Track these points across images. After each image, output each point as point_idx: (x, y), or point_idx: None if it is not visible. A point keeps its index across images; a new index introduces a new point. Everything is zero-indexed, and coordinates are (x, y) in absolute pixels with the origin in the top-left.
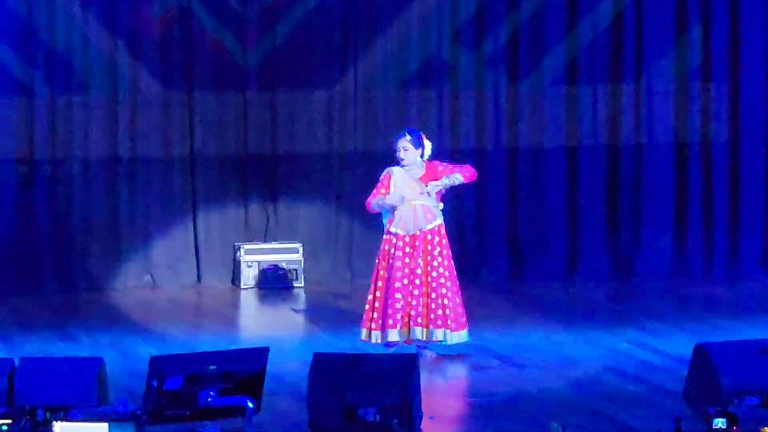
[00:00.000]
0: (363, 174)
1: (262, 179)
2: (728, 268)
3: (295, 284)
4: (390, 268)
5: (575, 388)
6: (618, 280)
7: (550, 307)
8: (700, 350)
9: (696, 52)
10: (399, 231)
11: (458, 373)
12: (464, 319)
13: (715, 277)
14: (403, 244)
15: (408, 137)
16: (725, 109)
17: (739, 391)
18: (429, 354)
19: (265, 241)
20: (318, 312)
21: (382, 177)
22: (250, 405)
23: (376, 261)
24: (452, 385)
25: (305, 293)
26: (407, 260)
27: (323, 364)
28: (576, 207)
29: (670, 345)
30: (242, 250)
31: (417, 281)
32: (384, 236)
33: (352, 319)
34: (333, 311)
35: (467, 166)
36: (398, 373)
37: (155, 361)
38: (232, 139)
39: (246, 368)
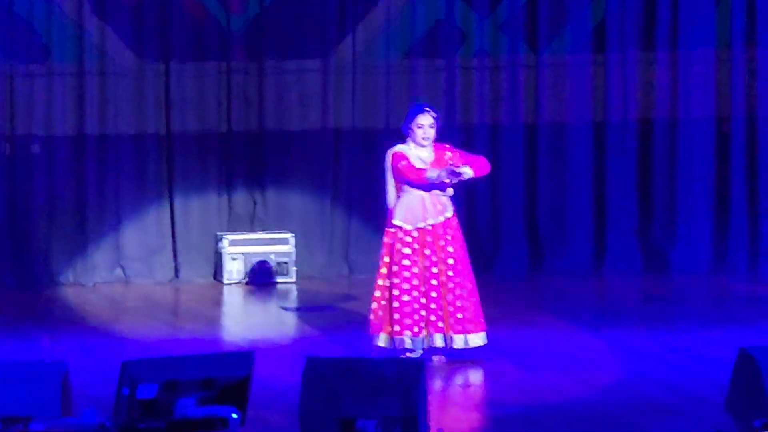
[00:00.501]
0: (362, 155)
1: (248, 161)
2: None
3: (286, 279)
4: (397, 266)
5: (602, 397)
6: (650, 276)
7: (573, 304)
8: (744, 355)
9: (740, 13)
10: (404, 224)
11: (470, 380)
12: (482, 319)
13: (760, 273)
14: (412, 240)
15: (433, 113)
16: None
17: None
18: (437, 359)
19: (251, 230)
20: (311, 310)
21: (396, 155)
22: (234, 416)
23: (380, 257)
24: (463, 393)
25: (297, 289)
26: (416, 258)
27: (317, 370)
28: (603, 191)
29: (710, 349)
30: (225, 241)
31: (434, 281)
32: (387, 229)
33: (349, 319)
34: (328, 310)
35: (481, 158)
36: (402, 381)
37: (127, 367)
38: (213, 114)
39: (229, 374)
